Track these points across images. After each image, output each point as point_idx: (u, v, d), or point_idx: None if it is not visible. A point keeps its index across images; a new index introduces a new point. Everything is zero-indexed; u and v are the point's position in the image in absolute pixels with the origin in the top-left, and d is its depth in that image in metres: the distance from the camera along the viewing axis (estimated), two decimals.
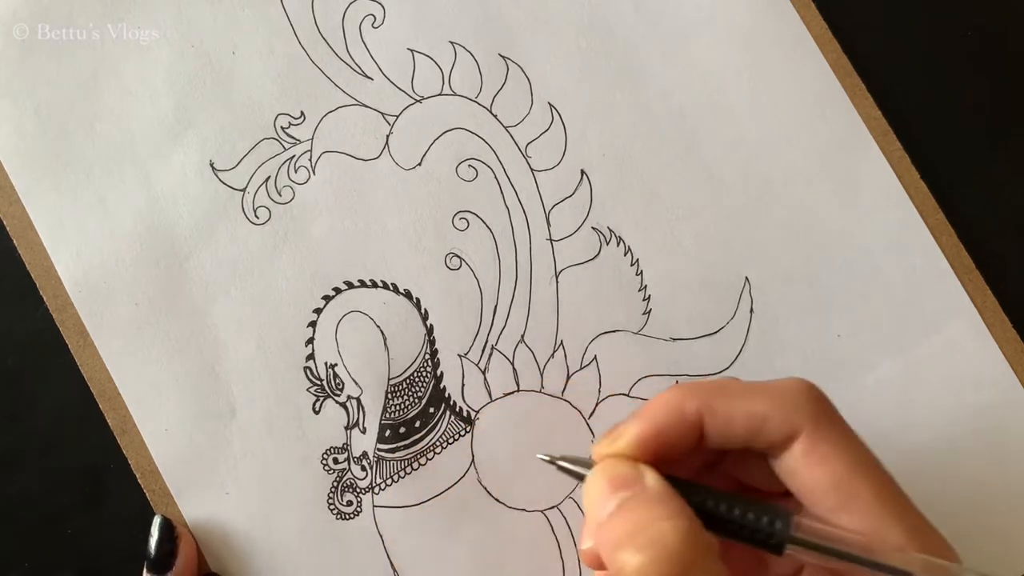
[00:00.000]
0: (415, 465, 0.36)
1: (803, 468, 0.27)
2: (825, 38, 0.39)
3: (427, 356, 0.37)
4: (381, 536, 0.36)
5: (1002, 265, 0.38)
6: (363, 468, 0.36)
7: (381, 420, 0.37)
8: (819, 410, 0.27)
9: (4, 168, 0.37)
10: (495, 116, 0.38)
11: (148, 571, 0.34)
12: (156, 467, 0.36)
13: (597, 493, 0.27)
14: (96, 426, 0.36)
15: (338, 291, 0.37)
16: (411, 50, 0.38)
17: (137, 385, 0.36)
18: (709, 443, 0.28)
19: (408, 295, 0.37)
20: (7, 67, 0.37)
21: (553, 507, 0.36)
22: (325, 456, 0.36)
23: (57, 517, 0.36)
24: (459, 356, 0.37)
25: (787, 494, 0.28)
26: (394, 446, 0.36)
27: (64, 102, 0.37)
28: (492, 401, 0.37)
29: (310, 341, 0.37)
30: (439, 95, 0.38)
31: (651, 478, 0.26)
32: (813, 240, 0.38)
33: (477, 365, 0.37)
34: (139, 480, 0.36)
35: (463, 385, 0.37)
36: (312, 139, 0.38)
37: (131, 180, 0.37)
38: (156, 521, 0.35)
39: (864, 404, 0.37)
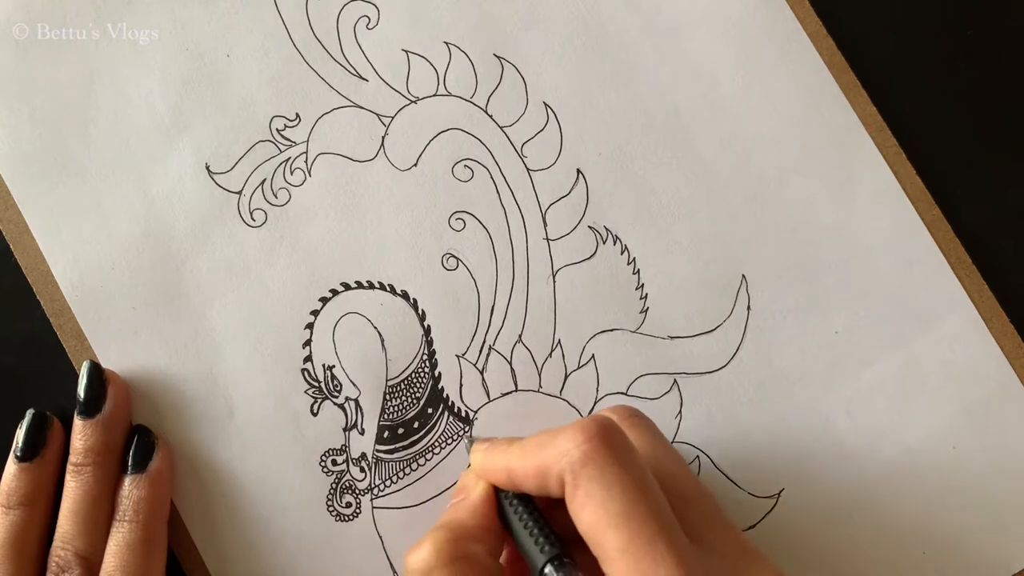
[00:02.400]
0: (414, 466, 0.36)
1: (573, 517, 0.27)
2: (820, 35, 0.39)
3: (425, 357, 0.37)
4: (381, 537, 0.36)
5: (999, 260, 0.38)
6: (362, 469, 0.36)
7: (379, 421, 0.37)
8: (583, 456, 0.27)
9: (0, 173, 0.37)
10: (490, 116, 0.38)
11: (78, 415, 0.34)
12: None
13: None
14: None
15: (335, 293, 0.37)
16: (406, 51, 0.38)
17: (135, 388, 0.36)
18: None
19: (405, 296, 0.37)
20: (2, 72, 0.37)
21: None
22: (324, 458, 0.36)
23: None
24: (457, 356, 0.37)
25: None
26: (393, 447, 0.36)
27: (59, 106, 0.37)
28: (490, 401, 0.37)
29: (308, 343, 0.37)
30: (434, 96, 0.38)
31: (475, 494, 0.31)
32: (809, 237, 0.38)
33: (475, 365, 0.37)
34: None
35: (461, 385, 0.37)
36: (308, 141, 0.38)
37: (127, 184, 0.37)
38: (85, 365, 0.35)
39: (862, 400, 0.37)
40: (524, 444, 0.30)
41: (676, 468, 0.30)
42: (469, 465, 0.32)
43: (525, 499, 0.30)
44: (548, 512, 0.30)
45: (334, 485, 0.36)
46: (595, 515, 0.26)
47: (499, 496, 0.31)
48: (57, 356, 0.36)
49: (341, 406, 0.36)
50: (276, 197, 0.37)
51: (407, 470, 0.36)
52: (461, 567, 0.28)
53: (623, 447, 0.28)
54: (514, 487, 0.30)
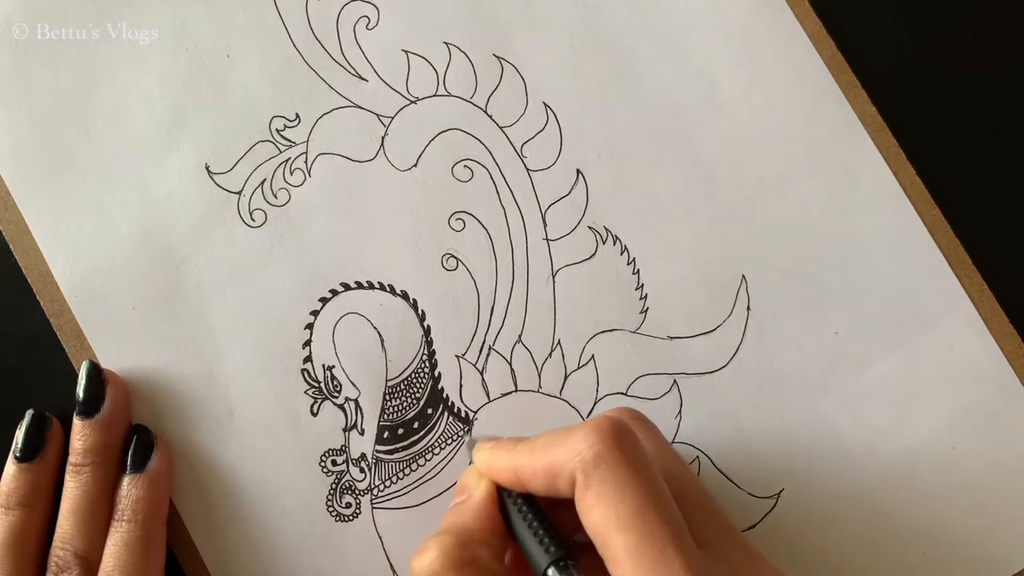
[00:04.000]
0: (414, 466, 0.36)
1: (582, 517, 0.27)
2: (820, 35, 0.39)
3: (425, 357, 0.37)
4: (380, 538, 0.36)
5: (999, 260, 0.38)
6: (362, 470, 0.36)
7: (379, 421, 0.37)
8: (596, 457, 0.27)
9: (0, 173, 0.37)
10: (490, 116, 0.38)
11: (77, 415, 0.35)
12: None
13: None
14: None
15: (335, 293, 0.37)
16: (405, 51, 0.38)
17: (134, 388, 0.36)
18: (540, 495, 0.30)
19: (405, 296, 0.37)
20: (2, 72, 0.37)
21: None
22: (323, 458, 0.36)
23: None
24: (457, 357, 0.37)
25: None
26: (393, 447, 0.36)
27: (59, 106, 0.37)
28: (490, 401, 0.37)
29: (307, 343, 0.37)
30: (434, 96, 0.38)
31: (478, 494, 0.31)
32: (809, 237, 0.38)
33: (475, 365, 0.37)
34: None
35: (461, 386, 0.37)
36: (307, 141, 0.38)
37: (127, 184, 0.37)
38: (84, 365, 0.35)
39: (862, 400, 0.37)
40: (532, 443, 0.29)
41: (682, 472, 0.30)
42: (470, 462, 0.32)
43: (529, 499, 0.30)
44: (550, 513, 0.30)
45: (334, 485, 0.36)
46: (605, 516, 0.26)
47: (502, 496, 0.31)
48: (57, 356, 0.36)
49: (341, 406, 0.36)
50: (276, 197, 0.37)
51: (407, 470, 0.36)
52: (467, 573, 0.28)
53: (636, 450, 0.27)
54: (520, 486, 0.30)
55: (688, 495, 0.29)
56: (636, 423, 0.32)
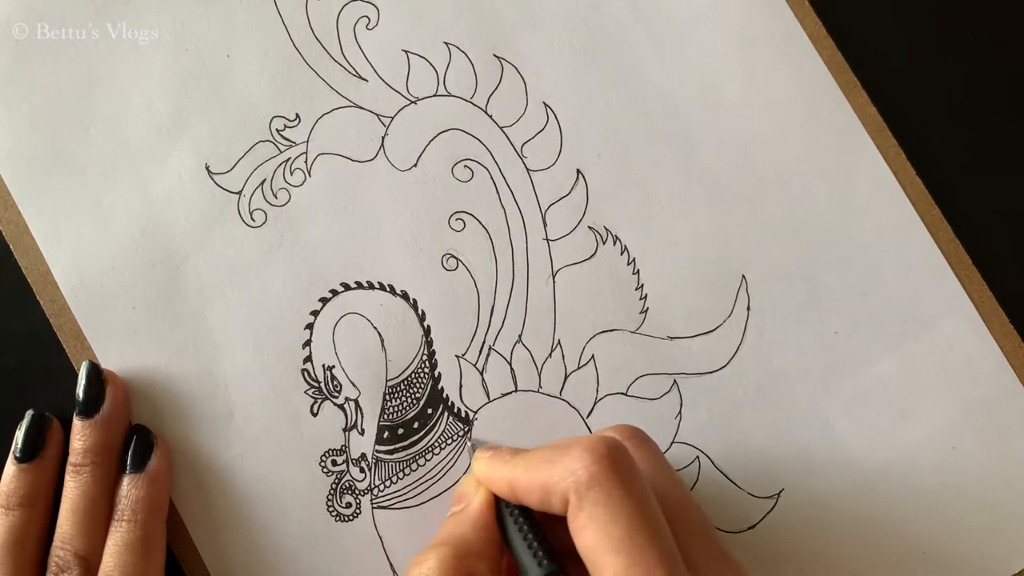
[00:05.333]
0: (414, 466, 0.36)
1: (574, 537, 0.27)
2: (819, 35, 0.39)
3: (425, 357, 0.37)
4: (380, 538, 0.36)
5: (999, 261, 0.38)
6: (362, 470, 0.36)
7: (379, 421, 0.37)
8: (590, 478, 0.27)
9: (0, 173, 0.37)
10: (490, 116, 0.38)
11: (76, 415, 0.35)
12: None
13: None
14: None
15: (335, 293, 0.37)
16: (405, 51, 0.38)
17: (134, 388, 0.36)
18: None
19: (405, 296, 0.37)
20: (1, 72, 0.37)
21: None
22: (324, 458, 0.36)
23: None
24: (457, 357, 0.37)
25: None
26: (393, 447, 0.36)
27: (59, 107, 0.37)
28: (490, 401, 0.37)
29: (307, 343, 0.37)
30: (434, 96, 0.38)
31: (475, 504, 0.31)
32: (809, 237, 0.38)
33: (475, 366, 0.37)
34: None
35: (461, 386, 0.37)
36: (308, 141, 0.38)
37: (127, 184, 0.37)
38: (83, 365, 0.35)
39: (862, 400, 0.37)
40: (529, 457, 0.29)
41: (678, 494, 0.30)
42: (468, 468, 0.32)
43: (525, 511, 0.30)
44: (546, 525, 0.30)
45: (334, 485, 0.36)
46: (596, 538, 0.26)
47: (499, 505, 0.31)
48: (57, 356, 0.36)
49: (341, 406, 0.36)
50: (276, 197, 0.37)
51: (407, 470, 0.36)
52: None
53: (630, 472, 0.27)
54: (515, 499, 0.30)
55: (683, 518, 0.29)
56: (634, 442, 0.32)
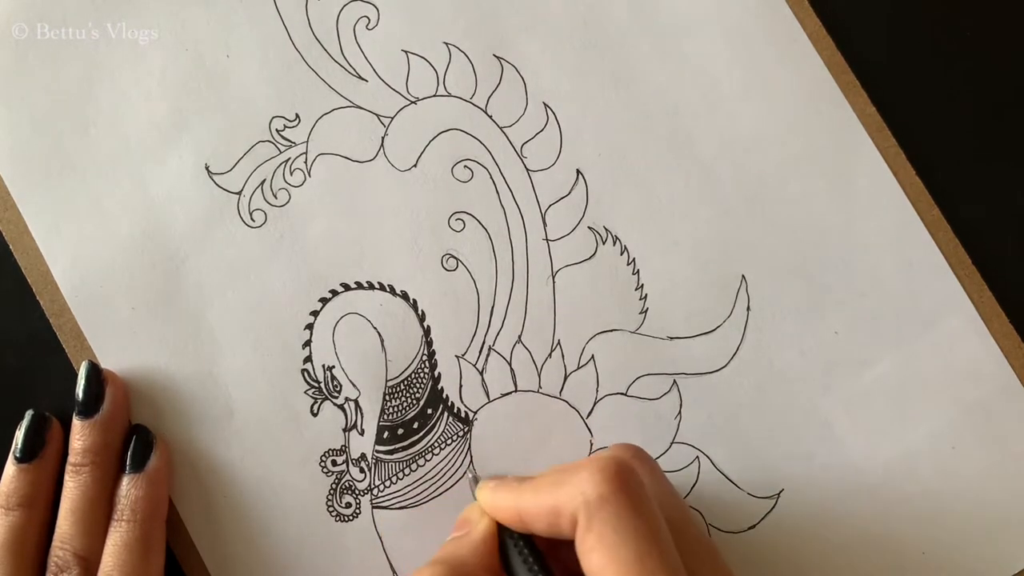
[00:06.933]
0: (414, 466, 0.36)
1: (581, 559, 0.27)
2: (820, 35, 0.39)
3: (424, 357, 0.37)
4: (380, 538, 0.36)
5: (999, 260, 0.38)
6: (362, 470, 0.36)
7: (379, 422, 0.37)
8: (599, 499, 0.27)
9: (0, 173, 0.37)
10: (490, 117, 0.38)
11: (76, 415, 0.35)
12: None
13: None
14: None
15: (335, 293, 0.37)
16: (405, 51, 0.38)
17: (134, 388, 0.36)
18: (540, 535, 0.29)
19: (405, 296, 0.37)
20: (1, 72, 0.37)
21: None
22: (323, 458, 0.36)
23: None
24: (456, 357, 0.37)
25: None
26: (392, 447, 0.36)
27: (59, 107, 0.37)
28: (490, 401, 0.37)
29: (307, 343, 0.37)
30: (434, 96, 0.38)
31: (478, 530, 0.31)
32: (809, 237, 0.38)
33: (475, 366, 0.37)
34: None
35: (461, 386, 0.37)
36: (307, 141, 0.38)
37: (127, 184, 0.37)
38: (83, 365, 0.35)
39: (862, 400, 0.37)
40: (537, 483, 0.29)
41: (680, 514, 0.30)
42: (474, 498, 0.32)
43: (528, 540, 0.30)
44: (550, 553, 0.30)
45: (334, 485, 0.36)
46: (605, 560, 0.26)
47: (502, 535, 0.31)
48: (56, 356, 0.36)
49: (341, 406, 0.36)
50: (276, 197, 0.37)
51: (407, 471, 0.36)
52: None
53: (640, 493, 0.27)
54: (523, 527, 0.30)
55: (686, 538, 0.29)
56: (638, 462, 0.31)
